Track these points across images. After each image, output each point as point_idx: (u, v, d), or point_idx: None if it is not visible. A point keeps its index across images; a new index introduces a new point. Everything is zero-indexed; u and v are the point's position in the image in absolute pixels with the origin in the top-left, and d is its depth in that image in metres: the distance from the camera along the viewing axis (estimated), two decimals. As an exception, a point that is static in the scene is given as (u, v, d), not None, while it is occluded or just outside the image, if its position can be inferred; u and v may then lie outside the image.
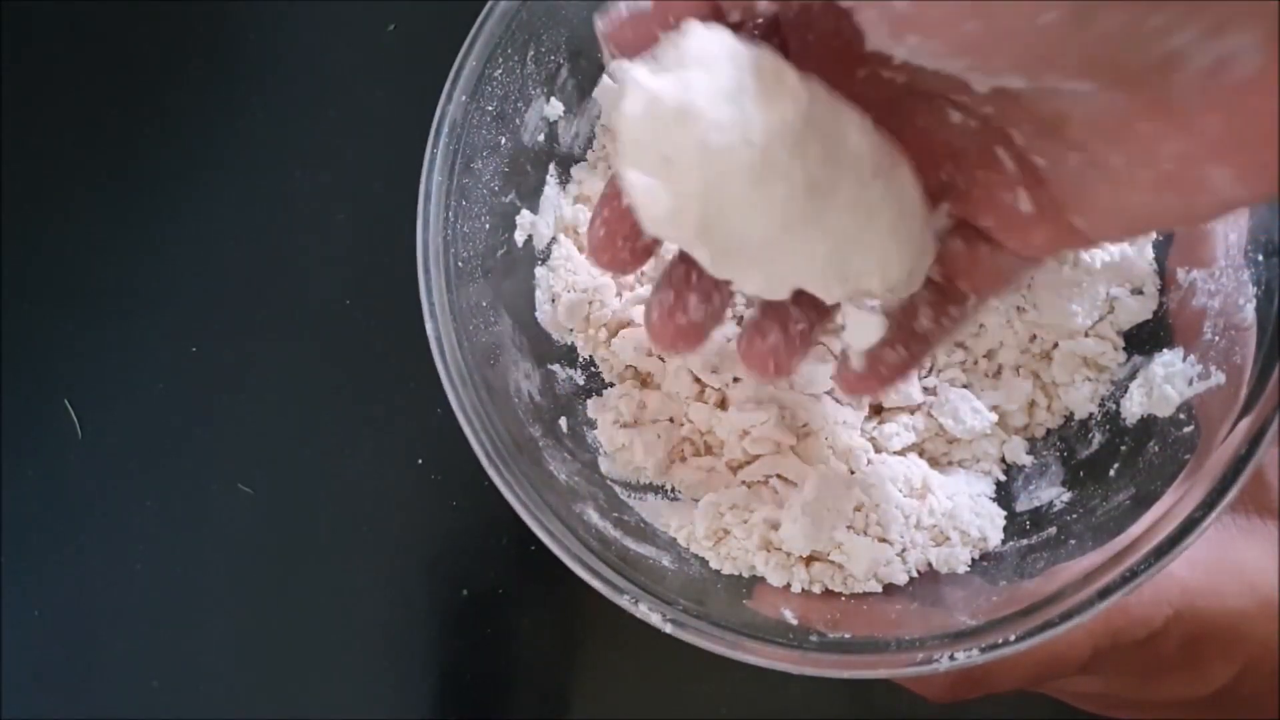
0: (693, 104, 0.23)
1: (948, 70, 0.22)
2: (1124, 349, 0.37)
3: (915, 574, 0.34)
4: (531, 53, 0.36)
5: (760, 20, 0.27)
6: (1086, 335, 0.37)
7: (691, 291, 0.28)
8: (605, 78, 0.39)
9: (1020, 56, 0.21)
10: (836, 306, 0.30)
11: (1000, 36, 0.20)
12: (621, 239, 0.28)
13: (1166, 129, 0.21)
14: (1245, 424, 0.29)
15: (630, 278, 0.39)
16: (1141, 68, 0.20)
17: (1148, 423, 0.35)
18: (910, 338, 0.30)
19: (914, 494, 0.35)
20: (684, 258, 0.29)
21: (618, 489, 0.36)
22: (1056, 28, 0.19)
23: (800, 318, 0.29)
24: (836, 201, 0.25)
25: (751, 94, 0.24)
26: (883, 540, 0.34)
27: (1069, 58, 0.20)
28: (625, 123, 0.24)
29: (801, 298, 0.28)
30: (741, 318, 0.38)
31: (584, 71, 0.39)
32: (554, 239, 0.39)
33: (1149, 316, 0.36)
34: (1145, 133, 0.22)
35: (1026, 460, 0.37)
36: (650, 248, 0.28)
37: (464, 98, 0.34)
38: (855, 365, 0.31)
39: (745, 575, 0.34)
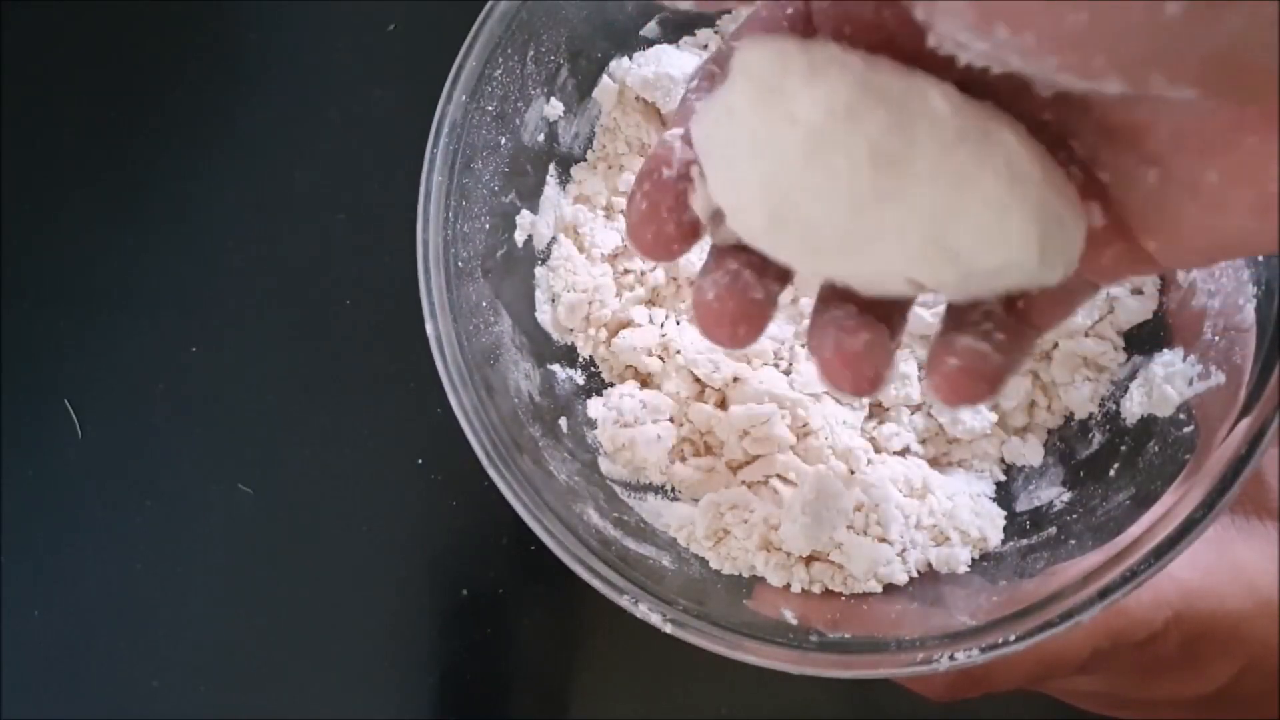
0: (734, 103, 0.23)
1: (1026, 69, 0.20)
2: (1124, 349, 0.37)
3: (915, 574, 0.34)
4: (531, 53, 0.36)
5: (789, 12, 0.25)
6: (1086, 335, 0.37)
7: (747, 266, 0.25)
8: (605, 77, 0.39)
9: (1128, 57, 0.18)
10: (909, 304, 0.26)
11: (1109, 33, 0.17)
12: (666, 210, 0.25)
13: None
14: (1245, 424, 0.29)
15: (630, 278, 0.39)
16: (1262, 75, 0.18)
17: (1148, 423, 0.35)
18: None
19: (914, 494, 0.35)
20: None
21: (618, 489, 0.36)
22: (1180, 25, 0.17)
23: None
24: (915, 171, 0.22)
25: (796, 75, 0.23)
26: (883, 540, 0.34)
27: (1185, 60, 0.18)
28: (698, 151, 0.24)
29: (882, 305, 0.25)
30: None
31: (584, 71, 0.39)
32: (554, 239, 0.39)
33: (1149, 316, 0.36)
34: (1252, 148, 0.19)
35: (1026, 460, 0.37)
36: (698, 226, 0.25)
37: (464, 98, 0.34)
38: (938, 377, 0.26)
39: (745, 575, 0.34)
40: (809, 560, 0.34)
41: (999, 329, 0.26)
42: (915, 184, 0.22)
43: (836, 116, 0.22)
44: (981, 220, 0.22)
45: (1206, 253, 0.23)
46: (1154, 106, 0.21)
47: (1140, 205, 0.23)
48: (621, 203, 0.39)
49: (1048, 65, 0.19)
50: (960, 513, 0.34)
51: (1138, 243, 0.23)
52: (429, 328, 0.32)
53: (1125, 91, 0.19)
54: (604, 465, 0.37)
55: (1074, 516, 0.34)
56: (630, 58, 0.39)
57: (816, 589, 0.33)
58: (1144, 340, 0.36)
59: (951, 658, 0.28)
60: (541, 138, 0.38)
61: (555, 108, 0.38)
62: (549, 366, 0.38)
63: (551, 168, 0.39)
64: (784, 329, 0.38)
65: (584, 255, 0.39)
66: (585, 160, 0.40)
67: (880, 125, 0.22)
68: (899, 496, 0.35)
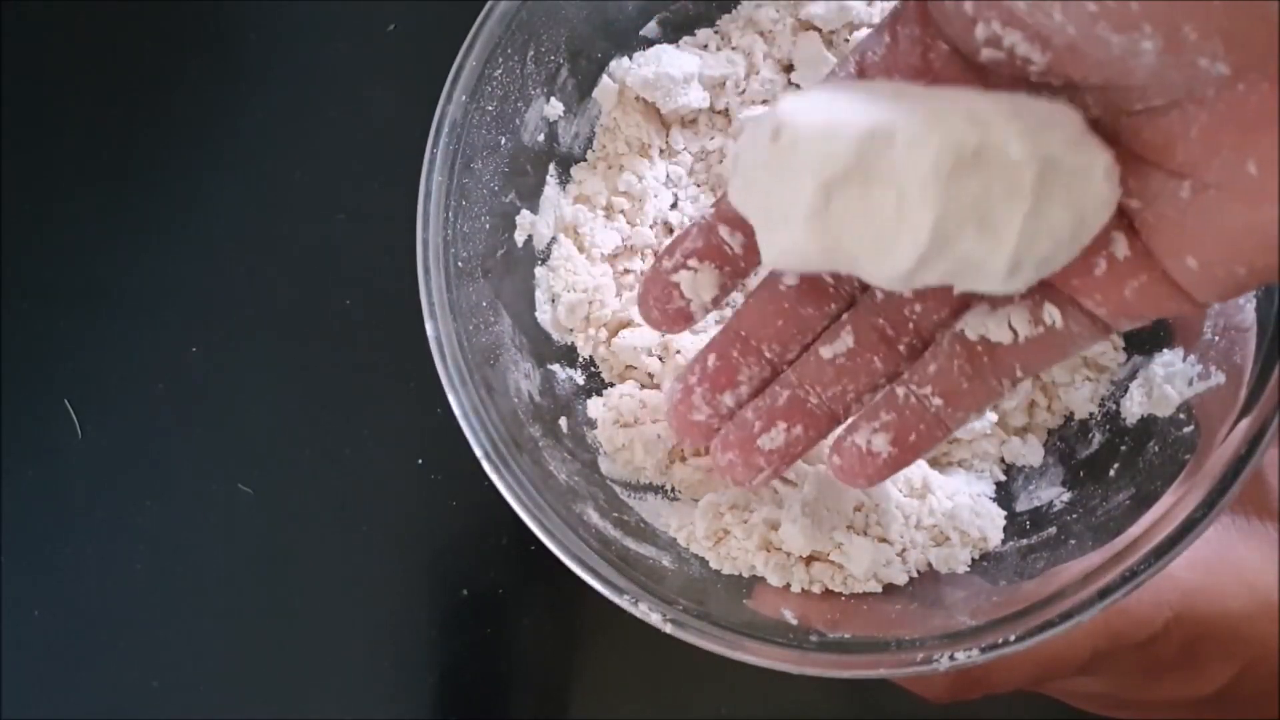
0: (772, 137, 0.25)
1: (1064, 33, 0.20)
2: (1124, 349, 0.37)
3: (915, 574, 0.34)
4: (531, 53, 0.36)
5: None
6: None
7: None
8: (605, 77, 0.39)
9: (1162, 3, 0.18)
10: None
11: None
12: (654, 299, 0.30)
13: None
14: (1245, 424, 0.29)
15: (630, 278, 0.39)
16: None
17: (1148, 423, 0.35)
18: (919, 417, 0.28)
19: (914, 494, 0.35)
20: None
21: (618, 489, 0.36)
22: None
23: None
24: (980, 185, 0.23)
25: (824, 105, 0.24)
26: (883, 540, 0.34)
27: (1212, 9, 0.17)
28: (732, 180, 0.27)
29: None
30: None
31: (584, 71, 0.39)
32: (554, 239, 0.39)
33: (1149, 317, 0.36)
34: None
35: (1026, 460, 0.37)
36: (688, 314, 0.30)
37: (464, 98, 0.34)
38: (839, 453, 0.29)
39: (745, 575, 0.34)
40: (809, 560, 0.34)
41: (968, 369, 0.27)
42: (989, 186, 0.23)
43: (871, 134, 0.23)
44: (1060, 220, 0.23)
45: (1254, 254, 0.22)
46: (1183, 113, 0.21)
47: (1173, 224, 0.22)
48: (621, 203, 0.39)
49: (1084, 18, 0.19)
50: (960, 513, 0.34)
51: (1165, 274, 0.23)
52: (429, 328, 0.32)
53: (1160, 53, 0.19)
54: (604, 465, 0.37)
55: (1074, 516, 0.34)
56: (630, 58, 0.39)
57: (816, 589, 0.33)
58: (1144, 340, 0.36)
59: (951, 658, 0.28)
60: (541, 138, 0.38)
61: (555, 108, 0.38)
62: (549, 366, 0.38)
63: (551, 168, 0.39)
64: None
65: (584, 255, 0.39)
66: (585, 160, 0.40)
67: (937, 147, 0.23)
68: (899, 496, 0.35)
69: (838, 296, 0.30)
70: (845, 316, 0.30)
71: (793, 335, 0.30)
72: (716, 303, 0.31)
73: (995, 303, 0.27)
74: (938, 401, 0.28)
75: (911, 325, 0.29)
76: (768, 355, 0.30)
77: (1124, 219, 0.23)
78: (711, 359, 0.31)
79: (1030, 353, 0.27)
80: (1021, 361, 0.28)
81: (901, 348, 0.29)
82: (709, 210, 0.30)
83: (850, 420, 0.30)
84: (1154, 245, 0.23)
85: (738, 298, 0.37)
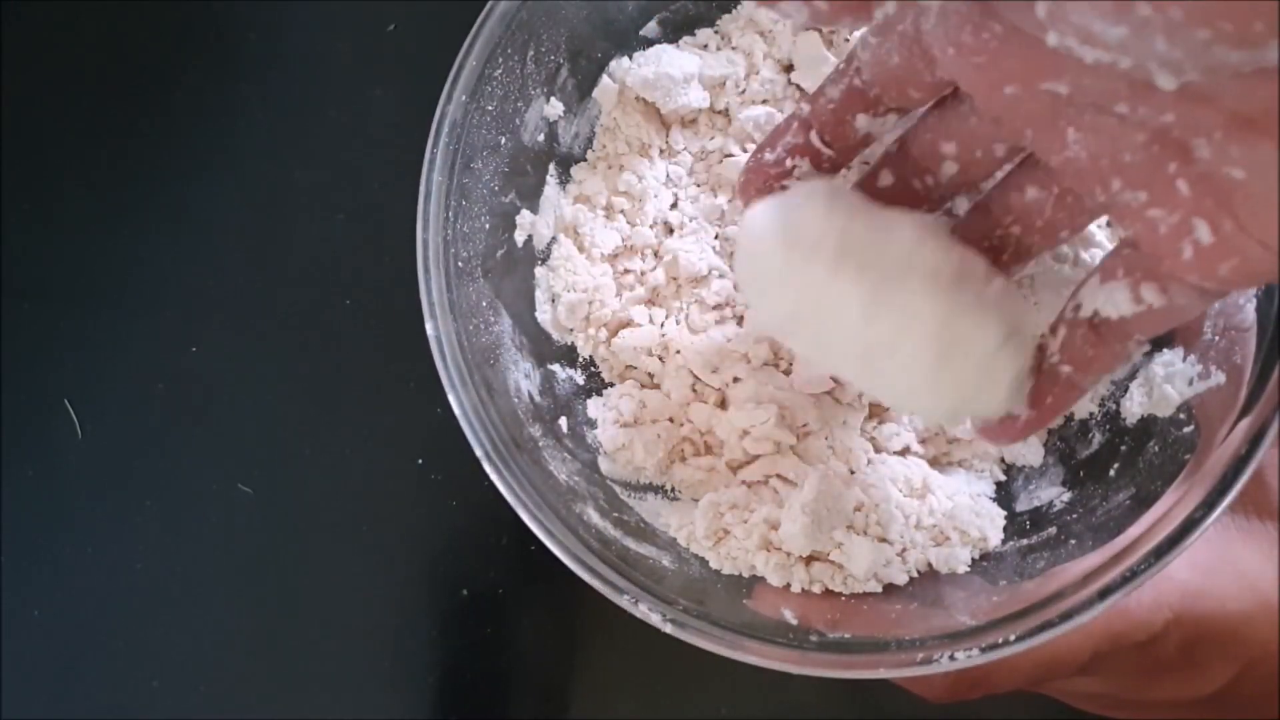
0: (753, 248, 0.29)
1: (1158, 52, 0.19)
2: (1124, 349, 0.37)
3: (915, 574, 0.34)
4: (531, 53, 0.36)
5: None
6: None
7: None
8: (605, 77, 0.39)
9: None
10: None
11: None
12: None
13: None
14: (1245, 424, 0.29)
15: (630, 278, 0.39)
16: None
17: (1148, 423, 0.35)
18: (1053, 382, 0.29)
19: (914, 494, 0.35)
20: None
21: (618, 489, 0.36)
22: None
23: None
24: (907, 315, 0.27)
25: (804, 226, 0.28)
26: (883, 540, 0.34)
27: None
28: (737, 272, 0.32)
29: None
30: (741, 318, 0.38)
31: (584, 71, 0.39)
32: (554, 239, 0.39)
33: (1149, 316, 0.36)
34: None
35: (1026, 460, 0.37)
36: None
37: (464, 98, 0.34)
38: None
39: (745, 575, 0.34)
40: (809, 560, 0.34)
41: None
42: (906, 330, 0.27)
43: (837, 262, 0.27)
44: (965, 373, 0.27)
45: None
46: None
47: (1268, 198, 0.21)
48: (621, 203, 0.39)
49: (1194, 40, 0.18)
50: (960, 513, 0.34)
51: (1263, 245, 0.22)
52: (429, 328, 0.32)
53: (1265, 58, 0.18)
54: (604, 465, 0.37)
55: (1074, 516, 0.34)
56: (630, 58, 0.39)
57: (816, 589, 0.33)
58: (1144, 340, 0.36)
59: (951, 658, 0.28)
60: (541, 138, 0.38)
61: (555, 108, 0.38)
62: (549, 366, 0.38)
63: (551, 168, 0.39)
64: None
65: (584, 255, 0.39)
66: (585, 160, 0.40)
67: (874, 275, 0.27)
68: (899, 496, 0.35)
69: (929, 200, 0.31)
70: (954, 229, 0.31)
71: None
72: None
73: (1102, 277, 0.28)
74: (1067, 369, 0.29)
75: (1012, 243, 0.30)
76: None
77: (1216, 193, 0.22)
78: None
79: (1146, 322, 0.27)
80: (1139, 329, 0.28)
81: (1006, 257, 0.31)
82: (804, 107, 0.31)
83: None
84: (1251, 217, 0.22)
85: None
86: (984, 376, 0.28)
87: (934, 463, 0.37)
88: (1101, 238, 0.36)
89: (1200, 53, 0.19)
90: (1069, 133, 0.25)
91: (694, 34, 0.41)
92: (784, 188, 0.31)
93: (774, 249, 0.28)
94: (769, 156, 0.31)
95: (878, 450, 0.37)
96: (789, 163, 0.31)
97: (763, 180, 0.32)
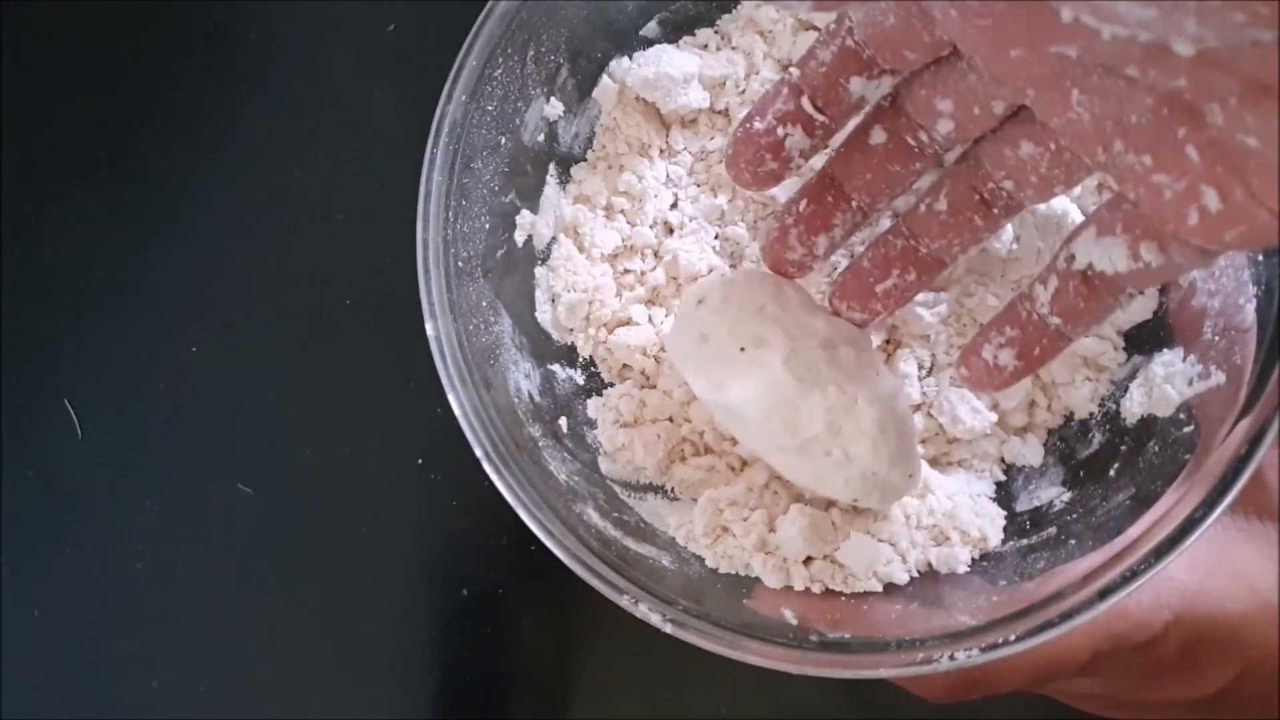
0: (689, 323, 0.33)
1: (1195, 32, 0.19)
2: (1124, 349, 0.37)
3: (915, 574, 0.34)
4: (531, 53, 0.36)
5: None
6: (1086, 335, 0.37)
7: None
8: (605, 77, 0.39)
9: None
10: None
11: None
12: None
13: None
14: (1245, 424, 0.29)
15: (630, 278, 0.39)
16: None
17: (1148, 423, 0.35)
18: (1041, 333, 0.30)
19: (914, 494, 0.35)
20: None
21: (618, 489, 0.36)
22: None
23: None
24: (810, 403, 0.31)
25: (719, 311, 0.32)
26: (883, 540, 0.34)
27: None
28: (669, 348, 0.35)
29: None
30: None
31: (584, 71, 0.39)
32: (554, 239, 0.39)
33: (1149, 316, 0.36)
34: None
35: (1026, 460, 0.37)
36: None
37: (464, 98, 0.34)
38: (968, 366, 0.31)
39: (744, 574, 0.34)
40: (808, 559, 0.34)
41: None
42: (810, 416, 0.31)
43: (751, 348, 0.31)
44: (864, 466, 0.31)
45: None
46: None
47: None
48: (621, 203, 0.39)
49: (1229, 23, 0.18)
50: (960, 513, 0.34)
51: (1272, 214, 0.22)
52: (429, 328, 0.32)
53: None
54: (604, 465, 0.37)
55: (1074, 516, 0.34)
56: (630, 58, 0.39)
57: (816, 588, 0.33)
58: (1144, 340, 0.36)
59: (951, 658, 0.28)
60: (541, 138, 0.38)
61: (555, 108, 0.38)
62: (549, 366, 0.38)
63: (551, 168, 0.39)
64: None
65: (584, 255, 0.39)
66: (585, 160, 0.40)
67: (783, 357, 0.31)
68: (899, 496, 0.35)
69: (922, 157, 0.31)
70: (944, 179, 0.31)
71: (881, 189, 0.31)
72: (806, 156, 0.31)
73: (1099, 231, 0.27)
74: (1056, 320, 0.29)
75: (1004, 196, 0.30)
76: (856, 204, 0.32)
77: (1225, 160, 0.22)
78: (804, 204, 0.32)
79: (1142, 277, 0.27)
80: (1134, 283, 0.28)
81: (997, 210, 0.30)
82: (793, 72, 0.30)
83: (975, 336, 0.32)
84: (1263, 186, 0.22)
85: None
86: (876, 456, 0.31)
87: (934, 463, 0.37)
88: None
89: (1233, 34, 0.18)
90: (1073, 94, 0.24)
91: (694, 34, 0.41)
92: (775, 160, 0.30)
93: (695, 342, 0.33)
94: (759, 125, 0.30)
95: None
96: (780, 131, 0.30)
97: (753, 151, 0.30)
